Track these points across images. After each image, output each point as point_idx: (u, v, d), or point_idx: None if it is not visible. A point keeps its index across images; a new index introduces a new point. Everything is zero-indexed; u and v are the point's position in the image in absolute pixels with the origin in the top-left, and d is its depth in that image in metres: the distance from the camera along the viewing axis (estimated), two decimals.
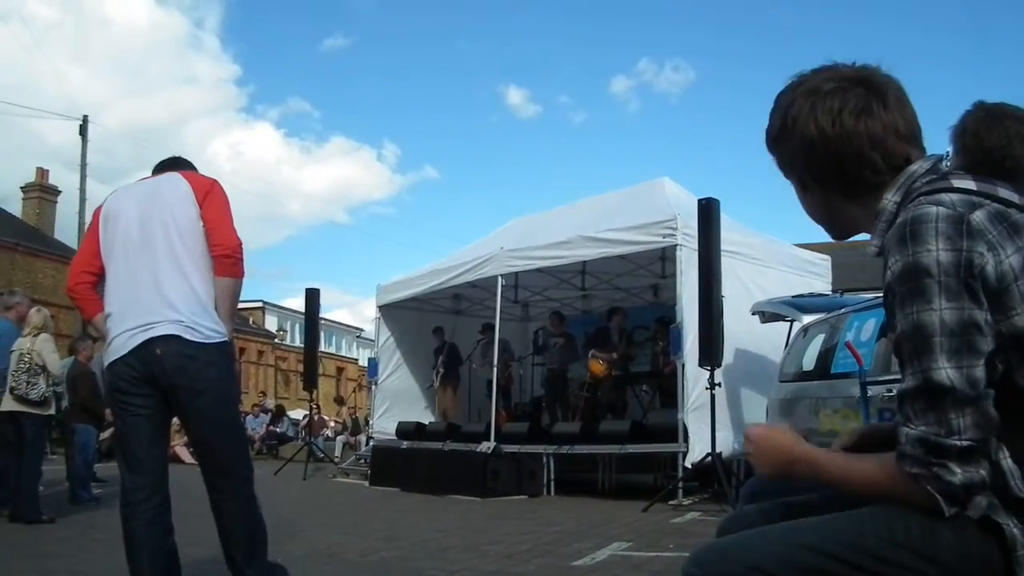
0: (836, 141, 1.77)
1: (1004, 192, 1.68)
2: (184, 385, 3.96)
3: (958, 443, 1.52)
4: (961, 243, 1.56)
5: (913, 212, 1.62)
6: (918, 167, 1.76)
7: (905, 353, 1.59)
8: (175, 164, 4.53)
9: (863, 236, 1.89)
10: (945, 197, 1.63)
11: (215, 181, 4.30)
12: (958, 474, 1.53)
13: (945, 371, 1.53)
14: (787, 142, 1.87)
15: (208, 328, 4.04)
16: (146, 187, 4.32)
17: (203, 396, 3.98)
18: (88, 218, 27.85)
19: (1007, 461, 1.58)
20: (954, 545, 1.56)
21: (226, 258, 4.11)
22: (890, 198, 1.76)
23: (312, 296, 17.38)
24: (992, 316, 1.57)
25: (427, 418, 16.68)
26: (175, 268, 4.05)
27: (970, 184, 1.68)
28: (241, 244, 4.17)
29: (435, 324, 17.41)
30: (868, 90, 1.78)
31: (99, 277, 4.21)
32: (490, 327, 14.81)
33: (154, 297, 4.00)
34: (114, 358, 4.03)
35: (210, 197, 4.17)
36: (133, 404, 4.01)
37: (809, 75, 1.86)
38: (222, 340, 4.11)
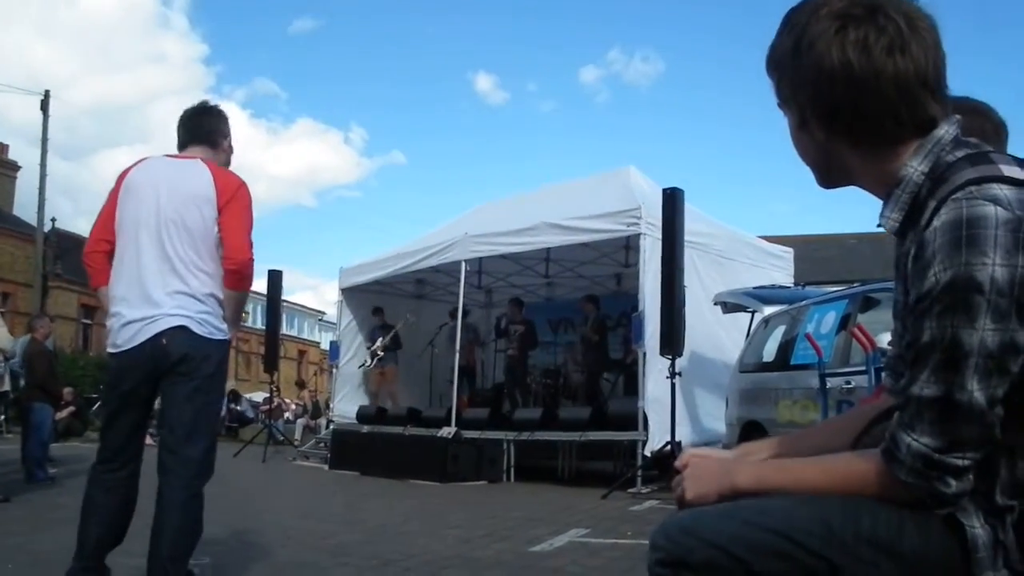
0: (860, 78, 1.53)
1: None
2: (180, 371, 3.98)
3: (959, 462, 1.46)
4: (1018, 257, 1.40)
5: (969, 210, 1.42)
6: (944, 132, 1.57)
7: (931, 361, 1.46)
8: (205, 136, 4.39)
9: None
10: (1000, 193, 1.43)
11: (241, 184, 4.24)
12: (953, 486, 1.48)
13: (971, 393, 1.43)
14: (797, 68, 1.61)
15: (213, 324, 4.08)
16: (172, 170, 4.21)
17: (190, 382, 4.00)
18: (47, 194, 27.48)
19: (1002, 472, 1.52)
20: (917, 542, 1.52)
21: (234, 273, 4.13)
22: (915, 166, 1.56)
23: (274, 278, 17.25)
24: None
25: (388, 402, 16.61)
26: (187, 261, 4.04)
27: (1017, 172, 1.48)
28: (252, 260, 4.19)
29: (398, 308, 17.33)
30: (905, 20, 1.54)
31: (114, 245, 4.19)
32: (456, 310, 14.78)
33: (164, 288, 4.00)
34: (121, 348, 4.04)
35: (232, 204, 4.13)
36: (132, 395, 4.07)
37: None
38: (223, 338, 4.16)
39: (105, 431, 4.21)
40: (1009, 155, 1.56)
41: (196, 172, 4.16)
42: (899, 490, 1.53)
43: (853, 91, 1.55)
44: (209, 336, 4.05)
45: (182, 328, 3.97)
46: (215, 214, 4.08)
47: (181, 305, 3.99)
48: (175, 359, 3.96)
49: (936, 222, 1.46)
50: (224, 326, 4.16)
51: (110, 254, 4.18)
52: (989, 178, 1.46)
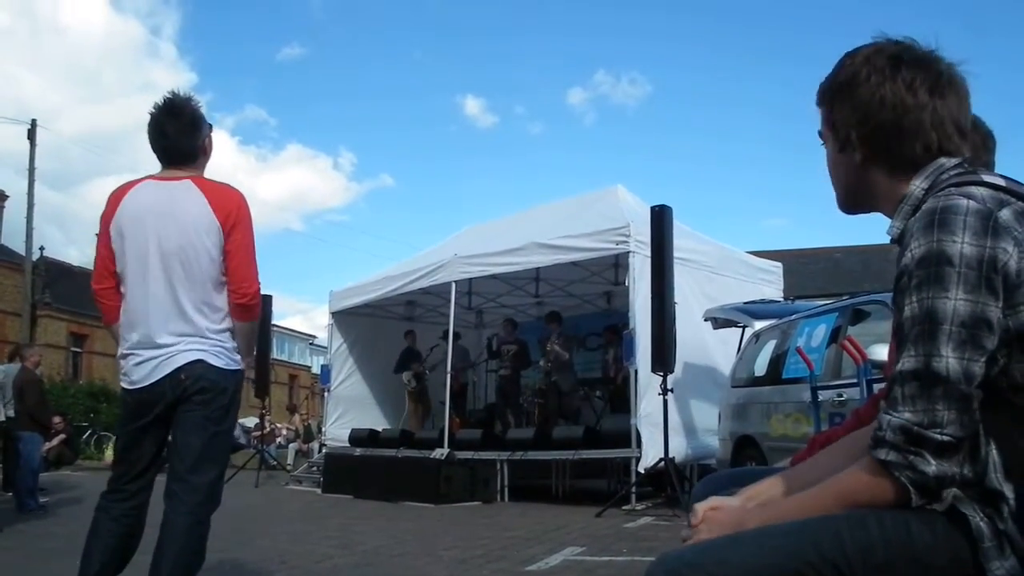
0: (906, 108, 1.76)
1: None
2: (195, 400, 3.93)
3: (938, 436, 1.53)
4: (986, 240, 1.55)
5: (944, 201, 1.61)
6: (949, 160, 1.76)
7: (911, 335, 1.58)
8: (187, 156, 4.12)
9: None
10: (975, 191, 1.62)
11: (241, 202, 4.09)
12: (932, 466, 1.53)
13: (946, 360, 1.54)
14: (853, 95, 1.83)
15: (228, 356, 4.03)
16: (164, 197, 4.02)
17: (204, 411, 3.94)
18: (35, 223, 27.40)
19: (993, 453, 1.58)
20: (926, 539, 1.56)
21: (243, 307, 4.08)
22: (918, 184, 1.75)
23: (264, 303, 17.16)
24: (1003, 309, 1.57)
25: (380, 425, 16.57)
26: (194, 299, 3.97)
27: (999, 181, 1.67)
28: (259, 290, 4.12)
29: (388, 331, 17.33)
30: (945, 75, 1.78)
31: (118, 277, 4.08)
32: (447, 333, 14.75)
33: (172, 331, 3.93)
34: (137, 385, 3.97)
35: (236, 229, 4.01)
36: (148, 430, 4.02)
37: (892, 43, 1.84)
38: (238, 368, 4.11)
39: (119, 463, 4.15)
40: (999, 174, 1.72)
41: (190, 198, 4.01)
42: (891, 489, 1.58)
43: (897, 117, 1.77)
44: (226, 367, 4.01)
45: (199, 361, 3.92)
46: (221, 242, 3.99)
47: (195, 342, 3.94)
48: (193, 391, 3.91)
49: (916, 215, 1.66)
50: (238, 356, 4.11)
51: (118, 288, 4.09)
52: (968, 182, 1.66)
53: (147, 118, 4.18)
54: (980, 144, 2.37)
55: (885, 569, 1.57)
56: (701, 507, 1.86)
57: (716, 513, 1.83)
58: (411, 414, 16.85)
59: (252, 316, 4.17)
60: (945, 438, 1.53)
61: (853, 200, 1.93)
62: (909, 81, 1.76)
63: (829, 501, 1.66)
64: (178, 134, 4.13)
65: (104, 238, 4.09)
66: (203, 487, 3.95)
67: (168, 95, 4.20)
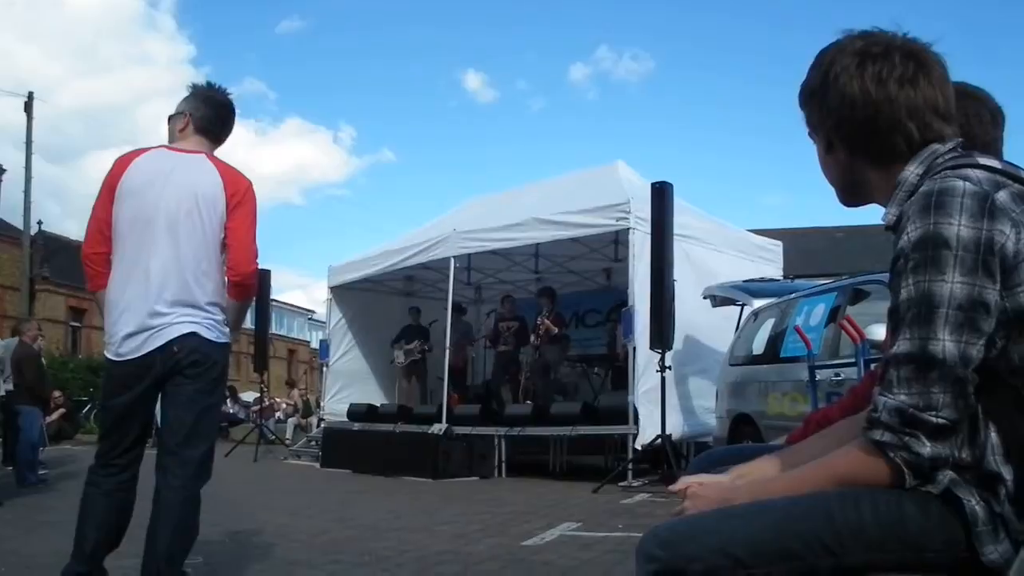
0: (877, 104, 1.75)
1: None
2: (187, 374, 3.93)
3: (933, 419, 1.53)
4: (983, 222, 1.55)
5: (940, 184, 1.60)
6: (942, 145, 1.75)
7: (907, 318, 1.58)
8: (218, 135, 4.28)
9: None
10: (971, 173, 1.61)
11: (250, 185, 4.14)
12: (927, 447, 1.53)
13: (943, 343, 1.53)
14: (825, 98, 1.83)
15: (219, 329, 4.04)
16: (176, 166, 4.04)
17: (195, 384, 3.95)
18: (34, 197, 27.34)
19: (992, 436, 1.58)
20: (919, 520, 1.56)
21: (239, 286, 4.09)
22: (912, 170, 1.74)
23: (262, 278, 17.17)
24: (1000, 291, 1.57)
25: (379, 400, 16.59)
26: (194, 268, 3.96)
27: (995, 163, 1.67)
28: (256, 271, 4.16)
29: (387, 305, 17.37)
30: (916, 62, 1.76)
31: (111, 244, 4.06)
32: (455, 309, 14.78)
33: (169, 297, 3.91)
34: (125, 358, 3.94)
35: (241, 207, 4.05)
36: (136, 403, 4.01)
37: (857, 37, 1.83)
38: (227, 342, 4.12)
39: (106, 436, 4.13)
40: (995, 157, 1.73)
41: (203, 170, 4.04)
42: (886, 469, 1.58)
43: (870, 115, 1.77)
44: (216, 340, 4.01)
45: (192, 334, 3.91)
46: (223, 217, 4.01)
47: (187, 314, 3.92)
48: (186, 364, 3.91)
49: (913, 198, 1.66)
50: (227, 330, 4.12)
51: (110, 255, 4.05)
52: (965, 164, 1.64)
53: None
54: (989, 120, 2.34)
55: (876, 549, 1.58)
56: (687, 479, 1.88)
57: (702, 488, 1.84)
58: (402, 391, 16.88)
59: (247, 295, 4.20)
60: (940, 421, 1.53)
61: (850, 195, 1.94)
62: (876, 76, 1.76)
63: (822, 480, 1.67)
64: (231, 115, 4.35)
65: (104, 201, 4.06)
66: (195, 461, 3.96)
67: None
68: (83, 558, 3.94)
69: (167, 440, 3.99)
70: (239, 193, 4.05)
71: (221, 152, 4.27)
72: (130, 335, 3.92)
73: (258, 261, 4.15)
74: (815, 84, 1.86)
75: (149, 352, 3.89)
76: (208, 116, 4.23)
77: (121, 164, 4.07)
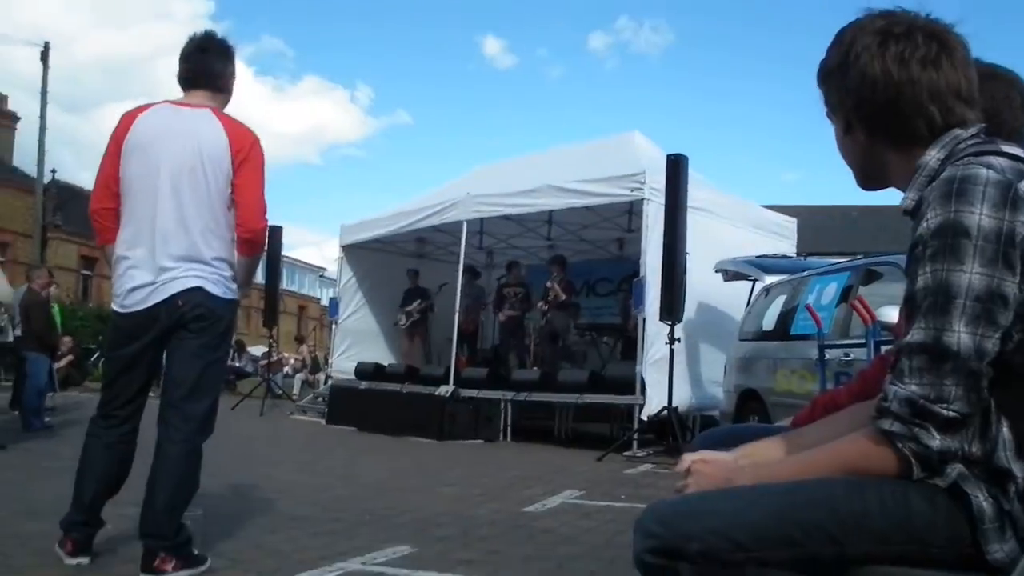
0: (898, 85, 1.70)
1: None
2: (191, 328, 3.94)
3: (944, 411, 1.49)
4: (1005, 212, 1.50)
5: (963, 171, 1.55)
6: (965, 131, 1.70)
7: (922, 307, 1.54)
8: (213, 81, 4.19)
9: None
10: (995, 161, 1.57)
11: (256, 140, 4.10)
12: (937, 439, 1.50)
13: (958, 335, 1.49)
14: (844, 77, 1.78)
15: (226, 285, 4.04)
16: (181, 122, 4.02)
17: (200, 339, 3.96)
18: (48, 146, 27.33)
19: (1004, 431, 1.54)
20: (925, 513, 1.53)
21: (248, 242, 4.08)
22: (933, 155, 1.69)
23: (274, 234, 17.17)
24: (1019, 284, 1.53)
25: (387, 359, 16.60)
26: (200, 224, 3.95)
27: (1018, 151, 1.62)
28: (264, 227, 4.13)
29: (398, 266, 17.24)
30: (938, 43, 1.71)
31: (119, 199, 4.06)
32: (467, 271, 14.75)
33: (175, 252, 3.92)
34: (130, 310, 3.96)
35: (247, 163, 4.02)
36: (140, 355, 4.02)
37: (879, 16, 1.77)
38: (234, 299, 4.13)
39: (108, 387, 4.15)
40: (1018, 144, 1.67)
41: (208, 125, 4.01)
42: (893, 459, 1.55)
43: (891, 96, 1.71)
44: (223, 296, 4.02)
45: (198, 288, 3.92)
46: (229, 173, 3.98)
47: (192, 269, 3.93)
48: (190, 318, 3.92)
49: (934, 184, 1.61)
50: (235, 286, 4.12)
51: (117, 210, 4.06)
52: (988, 152, 1.59)
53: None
54: (1019, 104, 2.28)
55: (880, 540, 1.55)
56: (690, 457, 1.85)
57: (705, 466, 1.81)
58: (403, 352, 16.92)
59: (255, 251, 4.18)
60: (951, 414, 1.50)
61: (868, 179, 1.89)
62: (898, 56, 1.70)
63: (828, 466, 1.64)
64: (212, 55, 4.22)
65: (112, 156, 4.06)
66: (198, 415, 3.98)
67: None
68: (81, 507, 3.98)
69: (170, 393, 4.00)
70: (245, 149, 4.02)
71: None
72: (135, 288, 3.94)
73: (267, 217, 4.13)
74: (834, 63, 1.81)
75: (154, 304, 3.91)
76: (183, 70, 4.20)
77: (127, 120, 4.07)
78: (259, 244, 4.15)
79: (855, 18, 1.81)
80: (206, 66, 4.19)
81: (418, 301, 16.47)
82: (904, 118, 1.72)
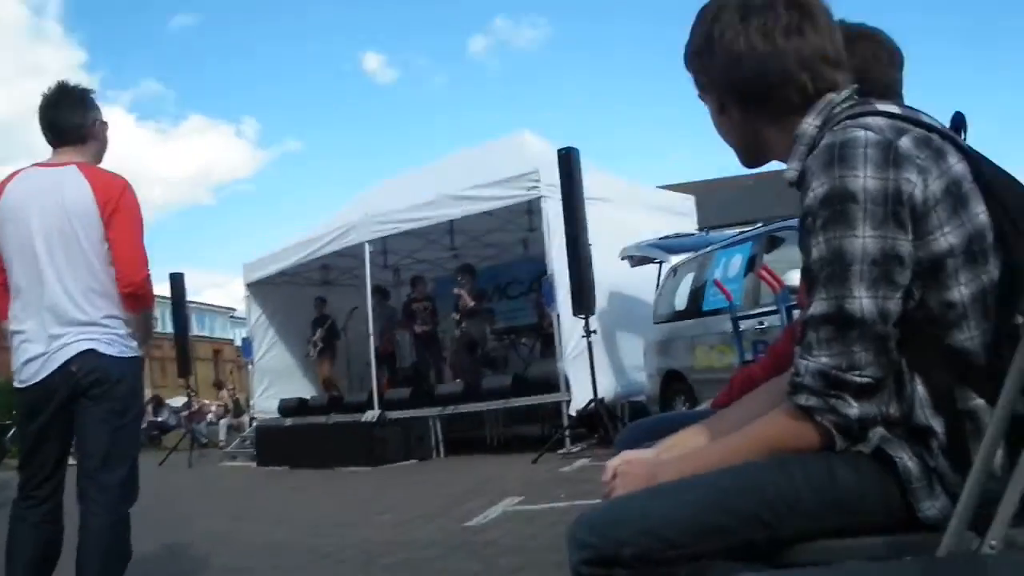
0: (765, 58, 1.69)
1: (926, 118, 1.64)
2: (92, 395, 3.78)
3: (857, 379, 1.50)
4: (888, 171, 1.51)
5: (841, 136, 1.55)
6: (837, 94, 1.71)
7: (820, 278, 1.54)
8: (70, 135, 3.99)
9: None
10: (872, 121, 1.57)
11: (124, 188, 3.90)
12: (854, 407, 1.51)
13: (860, 300, 1.50)
14: (711, 57, 1.77)
15: (122, 343, 3.87)
16: (45, 184, 3.85)
17: (103, 404, 3.79)
18: None
19: (919, 388, 1.55)
20: (852, 483, 1.53)
21: (131, 297, 3.88)
22: (810, 122, 1.69)
23: (176, 281, 16.92)
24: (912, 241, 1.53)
25: (308, 392, 16.45)
26: (80, 287, 3.80)
27: (894, 109, 1.63)
28: (147, 277, 3.92)
29: (306, 297, 17.06)
30: (800, 11, 1.70)
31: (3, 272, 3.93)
32: (377, 291, 14.61)
33: (61, 320, 3.77)
34: (27, 383, 3.81)
35: (117, 214, 3.83)
36: (47, 429, 3.86)
37: None
38: (134, 355, 3.96)
39: (24, 466, 3.99)
40: (894, 102, 1.70)
41: (72, 183, 3.84)
42: (814, 433, 1.55)
43: (760, 70, 1.71)
44: (120, 355, 3.85)
45: (90, 352, 3.77)
46: (102, 229, 3.82)
47: (84, 332, 3.78)
48: (87, 384, 3.76)
49: (815, 152, 1.60)
50: (134, 343, 3.96)
51: (6, 283, 3.92)
52: (865, 113, 1.61)
53: (38, 101, 4.05)
54: (887, 61, 2.31)
55: (812, 517, 1.55)
56: (612, 464, 1.83)
57: (628, 467, 1.79)
58: (324, 381, 16.94)
59: (143, 304, 4.00)
60: (865, 379, 1.51)
61: (749, 155, 1.88)
62: (761, 28, 1.70)
63: (750, 449, 1.64)
64: (65, 109, 4.02)
65: None
66: (115, 484, 3.81)
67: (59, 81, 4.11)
68: None
69: (84, 465, 3.85)
70: (113, 200, 3.84)
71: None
72: (29, 360, 3.80)
73: (147, 268, 3.94)
74: (699, 44, 1.81)
75: (48, 375, 3.76)
76: (42, 130, 4.06)
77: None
78: (143, 297, 3.95)
79: None
80: (61, 121, 4.01)
81: (320, 329, 16.47)
82: (775, 90, 1.72)
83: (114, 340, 3.84)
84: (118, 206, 3.85)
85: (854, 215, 1.51)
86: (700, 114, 1.92)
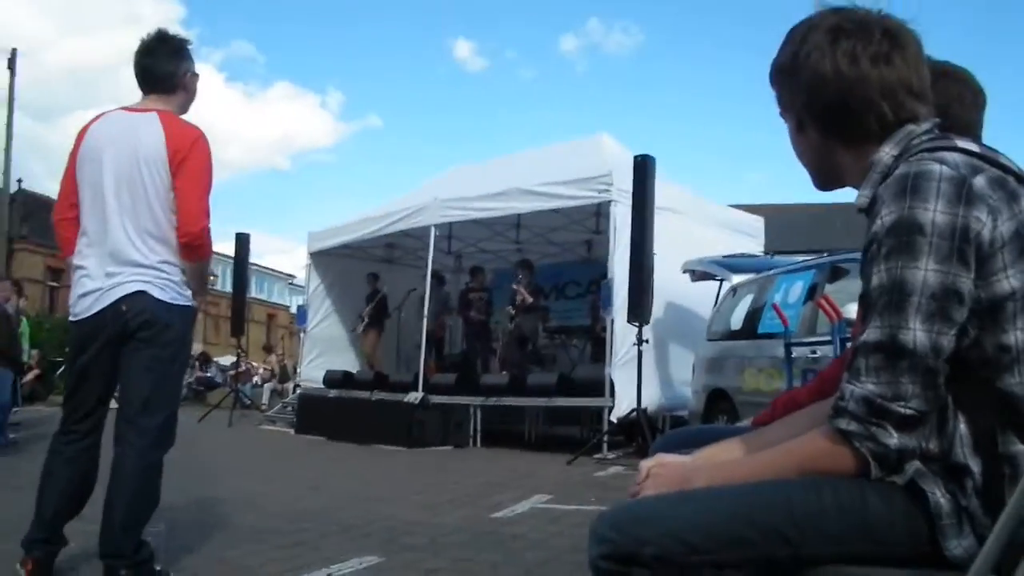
0: (849, 83, 1.68)
1: (1004, 159, 1.62)
2: (140, 338, 3.85)
3: (901, 409, 1.48)
4: (959, 208, 1.49)
5: (916, 167, 1.54)
6: (918, 126, 1.69)
7: (877, 306, 1.53)
8: (158, 83, 4.09)
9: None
10: (949, 156, 1.55)
11: (197, 138, 3.98)
12: (894, 438, 1.49)
13: (914, 332, 1.48)
14: (796, 76, 1.76)
15: (175, 290, 3.94)
16: (125, 127, 3.95)
17: (150, 349, 3.86)
18: (15, 154, 27.18)
19: (961, 427, 1.54)
20: (882, 512, 1.52)
21: (188, 247, 3.95)
22: (887, 151, 1.68)
23: (242, 241, 17.10)
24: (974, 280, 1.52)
25: (355, 367, 16.53)
26: (143, 229, 3.88)
27: (973, 147, 1.60)
28: (206, 230, 3.98)
29: (366, 272, 17.14)
30: (890, 39, 1.69)
31: (78, 209, 4.02)
32: (433, 276, 14.64)
33: (121, 258, 3.85)
34: (80, 317, 3.90)
35: (186, 163, 3.90)
36: (93, 365, 3.94)
37: (830, 12, 1.76)
38: (186, 304, 4.02)
39: (67, 401, 4.07)
40: (973, 140, 1.67)
41: (147, 129, 3.92)
42: (851, 458, 1.53)
43: (842, 94, 1.69)
44: (171, 302, 3.91)
45: (141, 293, 3.83)
46: (168, 177, 3.89)
47: (139, 273, 3.85)
48: (135, 325, 3.83)
49: (888, 180, 1.56)
50: (188, 292, 4.03)
51: (78, 219, 4.01)
52: (942, 147, 1.57)
53: (132, 50, 4.16)
54: (971, 102, 2.30)
55: (836, 540, 1.53)
56: (646, 464, 1.84)
57: (662, 469, 1.80)
58: (365, 355, 17.10)
59: (199, 256, 4.06)
60: (909, 411, 1.49)
61: (823, 177, 1.87)
62: (849, 52, 1.68)
63: (784, 466, 1.63)
64: (161, 57, 4.11)
65: (70, 167, 4.06)
66: (153, 429, 3.88)
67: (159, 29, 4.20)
68: (43, 525, 3.90)
69: (125, 408, 3.91)
70: (183, 149, 3.92)
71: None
72: (84, 295, 3.90)
73: (206, 220, 3.99)
74: (785, 61, 1.80)
75: (100, 310, 3.84)
76: (136, 75, 4.14)
77: (81, 132, 4.07)
78: (199, 248, 4.01)
79: (808, 15, 1.79)
80: (154, 68, 4.11)
81: (368, 306, 16.52)
82: (855, 115, 1.70)
83: (168, 285, 3.89)
84: (188, 155, 3.93)
85: (919, 247, 1.49)
86: (780, 139, 1.91)
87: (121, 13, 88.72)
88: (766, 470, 1.64)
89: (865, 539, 1.53)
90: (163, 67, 4.11)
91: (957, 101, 2.23)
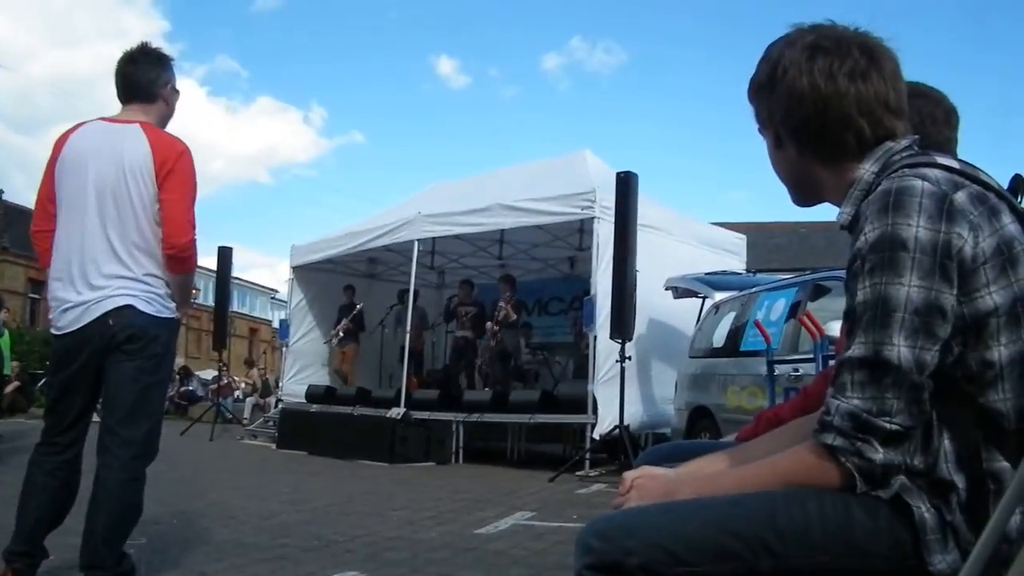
0: (825, 99, 1.70)
1: (984, 176, 1.64)
2: (125, 350, 3.83)
3: (887, 425, 1.49)
4: (941, 224, 1.51)
5: (898, 183, 1.56)
6: (897, 143, 1.71)
7: (862, 321, 1.54)
8: (140, 92, 4.08)
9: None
10: (930, 173, 1.58)
11: (182, 152, 3.97)
12: (880, 453, 1.50)
13: (898, 348, 1.50)
14: (773, 93, 1.78)
15: (160, 303, 3.93)
16: (108, 138, 3.94)
17: (135, 361, 3.85)
18: None
19: (945, 443, 1.55)
20: (866, 525, 1.53)
21: (174, 259, 3.95)
22: (868, 168, 1.70)
23: (224, 255, 17.03)
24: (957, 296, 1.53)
25: (338, 382, 16.47)
26: (128, 241, 3.87)
27: (953, 163, 1.64)
28: (192, 242, 3.97)
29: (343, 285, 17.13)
30: (867, 56, 1.71)
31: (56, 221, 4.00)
32: (405, 292, 14.62)
33: (104, 271, 3.83)
34: (64, 331, 3.88)
35: (172, 176, 3.89)
36: (76, 378, 3.92)
37: (808, 29, 1.78)
38: (171, 317, 4.01)
39: (48, 414, 4.06)
40: (953, 156, 1.71)
41: (132, 141, 3.91)
42: (836, 473, 1.54)
43: (819, 110, 1.71)
44: (157, 315, 3.90)
45: (129, 307, 3.82)
46: (154, 188, 3.88)
47: (124, 287, 3.84)
48: (122, 338, 3.81)
49: (870, 197, 1.58)
50: (172, 304, 4.02)
51: (55, 232, 3.99)
52: (923, 164, 1.60)
53: (116, 63, 4.12)
54: (943, 120, 2.34)
55: (820, 551, 1.54)
56: (630, 475, 1.85)
57: (646, 481, 1.81)
58: (335, 369, 17.06)
59: (185, 268, 4.06)
60: (894, 427, 1.50)
61: (801, 194, 1.89)
62: (826, 69, 1.70)
63: (769, 479, 1.63)
64: (142, 65, 4.11)
65: (48, 177, 4.03)
66: (136, 441, 3.87)
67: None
68: (23, 537, 3.88)
69: (108, 419, 3.90)
70: (169, 161, 3.91)
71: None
72: (67, 308, 3.86)
73: (193, 232, 3.98)
74: (763, 78, 1.81)
75: (85, 325, 3.83)
76: (116, 84, 4.13)
77: (60, 140, 4.03)
78: (186, 260, 4.00)
79: (785, 33, 1.82)
80: (136, 75, 4.10)
81: (344, 319, 16.44)
82: (833, 131, 1.72)
83: (153, 299, 3.89)
84: (174, 168, 3.92)
85: (902, 263, 1.51)
86: (762, 158, 1.93)
87: (106, 26, 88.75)
88: (751, 483, 1.65)
89: (849, 552, 1.54)
90: (144, 74, 4.10)
91: (930, 120, 2.27)
